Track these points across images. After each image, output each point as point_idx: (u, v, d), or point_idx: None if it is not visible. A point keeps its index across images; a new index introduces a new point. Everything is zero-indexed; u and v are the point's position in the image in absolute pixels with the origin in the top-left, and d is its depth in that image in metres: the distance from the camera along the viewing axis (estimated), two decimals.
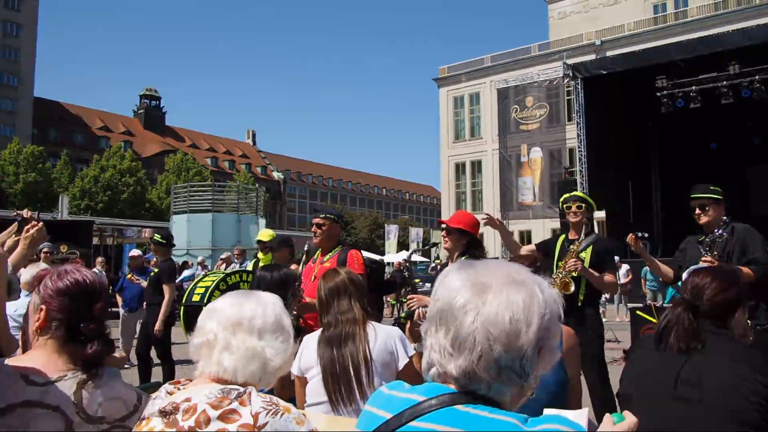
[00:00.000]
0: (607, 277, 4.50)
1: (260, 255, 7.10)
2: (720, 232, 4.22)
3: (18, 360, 1.64)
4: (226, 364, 1.47)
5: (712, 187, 4.38)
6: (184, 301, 6.37)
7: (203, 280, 6.69)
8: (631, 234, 4.45)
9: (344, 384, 2.53)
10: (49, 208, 29.98)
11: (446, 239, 4.10)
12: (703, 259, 4.12)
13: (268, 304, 1.58)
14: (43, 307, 1.64)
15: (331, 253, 4.44)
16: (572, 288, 4.37)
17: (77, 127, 71.35)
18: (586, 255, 4.53)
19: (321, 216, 4.49)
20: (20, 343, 3.57)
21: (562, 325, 2.54)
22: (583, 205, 4.68)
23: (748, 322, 3.89)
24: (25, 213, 3.05)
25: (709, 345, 2.14)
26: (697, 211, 4.35)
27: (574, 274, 4.40)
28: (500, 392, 1.06)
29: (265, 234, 7.24)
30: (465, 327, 1.06)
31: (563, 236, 4.82)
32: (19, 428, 1.46)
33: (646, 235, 4.44)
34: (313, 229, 4.51)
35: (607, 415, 1.24)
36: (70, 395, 1.52)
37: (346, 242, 4.73)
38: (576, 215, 4.64)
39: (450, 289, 1.11)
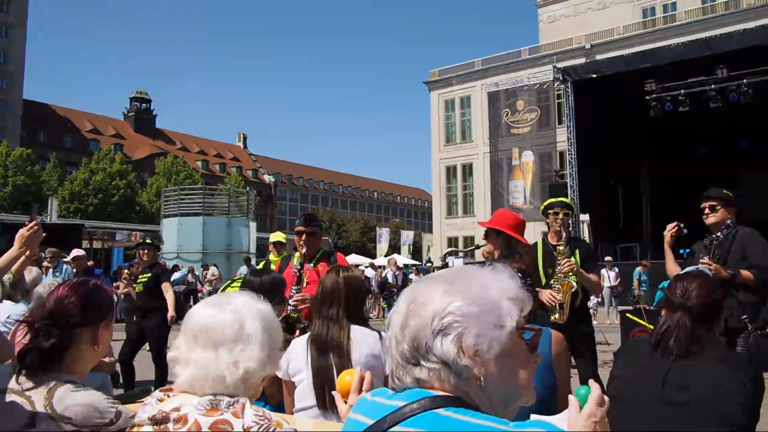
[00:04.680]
0: (594, 278, 4.68)
1: (272, 257, 7.44)
2: (720, 234, 4.26)
3: None
4: (184, 379, 1.45)
5: (725, 191, 4.43)
6: None
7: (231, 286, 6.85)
8: (675, 222, 4.44)
9: (330, 392, 2.53)
10: (39, 211, 29.76)
11: (486, 241, 4.06)
12: (701, 261, 4.16)
13: (226, 312, 1.49)
14: None
15: (316, 258, 4.45)
16: (575, 285, 4.45)
17: (67, 130, 70.91)
18: (575, 259, 4.60)
19: (313, 225, 4.54)
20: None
21: (552, 330, 2.57)
22: (570, 212, 4.78)
23: (748, 325, 3.96)
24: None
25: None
26: (707, 210, 4.39)
27: (570, 275, 4.46)
28: (462, 390, 1.07)
29: (280, 235, 7.79)
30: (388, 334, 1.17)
31: (540, 242, 4.85)
32: None
33: (685, 231, 4.46)
34: (303, 239, 4.44)
35: (571, 397, 1.21)
36: (45, 390, 1.62)
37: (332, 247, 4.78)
38: (563, 222, 4.70)
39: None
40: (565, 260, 4.50)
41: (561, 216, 4.68)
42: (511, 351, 1.10)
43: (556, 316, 4.45)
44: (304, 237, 4.44)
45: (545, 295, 4.47)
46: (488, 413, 1.06)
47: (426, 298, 1.11)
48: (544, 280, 4.61)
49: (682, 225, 4.45)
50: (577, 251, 4.66)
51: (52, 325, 1.73)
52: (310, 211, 77.04)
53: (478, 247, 4.42)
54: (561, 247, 4.59)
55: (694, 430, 2.04)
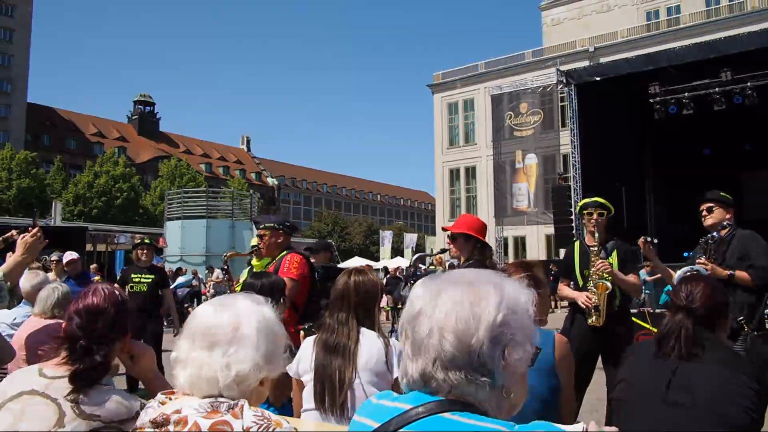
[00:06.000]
0: (633, 279, 4.59)
1: (254, 261, 7.26)
2: (716, 234, 4.25)
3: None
4: (182, 381, 1.45)
5: (722, 194, 4.50)
6: None
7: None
8: (642, 238, 4.52)
9: (329, 393, 2.55)
10: (43, 214, 29.84)
11: (452, 245, 4.05)
12: (698, 261, 4.15)
13: (225, 313, 1.48)
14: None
15: (274, 260, 4.50)
16: (610, 286, 4.41)
17: (71, 133, 71.14)
18: (613, 260, 4.54)
19: (261, 227, 4.61)
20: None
21: (556, 334, 2.56)
22: (605, 212, 4.66)
23: (745, 327, 3.95)
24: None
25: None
26: (705, 213, 4.44)
27: (605, 276, 4.43)
28: (478, 397, 1.06)
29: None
30: (420, 331, 1.10)
31: (577, 243, 4.81)
32: (18, 412, 1.68)
33: (656, 240, 4.52)
34: (257, 241, 4.66)
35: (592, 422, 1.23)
36: (70, 392, 1.70)
37: (294, 248, 4.73)
38: (598, 223, 4.61)
39: (411, 297, 1.16)
40: (600, 261, 4.45)
41: (595, 216, 4.60)
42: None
43: (593, 318, 4.40)
44: (257, 240, 4.62)
45: (581, 297, 4.44)
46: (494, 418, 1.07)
47: (482, 303, 1.09)
48: (581, 282, 4.59)
49: (648, 238, 4.55)
50: (615, 252, 4.59)
51: (99, 342, 1.78)
52: (314, 213, 77.02)
53: (444, 251, 4.40)
54: (595, 248, 4.53)
55: None
